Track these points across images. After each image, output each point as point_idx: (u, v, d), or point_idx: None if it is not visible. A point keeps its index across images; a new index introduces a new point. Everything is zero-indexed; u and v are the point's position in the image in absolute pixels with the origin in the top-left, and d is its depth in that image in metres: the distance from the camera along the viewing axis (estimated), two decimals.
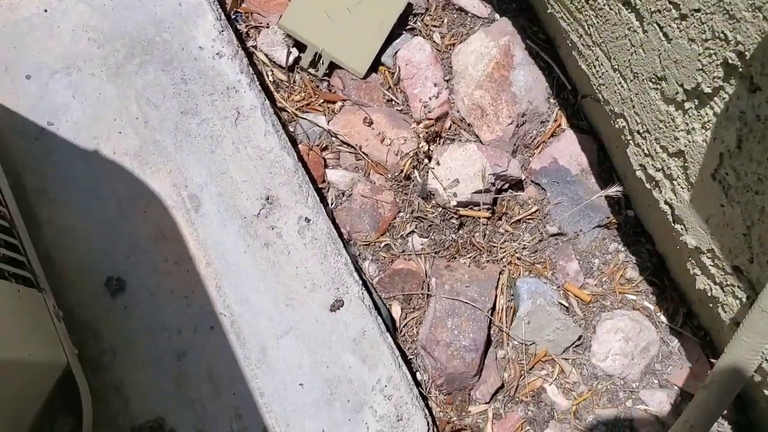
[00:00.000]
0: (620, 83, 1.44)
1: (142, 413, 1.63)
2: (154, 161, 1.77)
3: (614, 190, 1.78)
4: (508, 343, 1.84)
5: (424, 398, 1.74)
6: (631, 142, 1.50)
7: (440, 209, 1.89)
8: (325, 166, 1.94)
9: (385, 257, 1.87)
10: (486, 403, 1.79)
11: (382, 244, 1.88)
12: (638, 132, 1.43)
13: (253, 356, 1.67)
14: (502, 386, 1.81)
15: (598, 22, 1.46)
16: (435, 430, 1.69)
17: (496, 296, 1.84)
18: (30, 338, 1.34)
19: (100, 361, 1.66)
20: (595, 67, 1.54)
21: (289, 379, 1.66)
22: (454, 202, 1.82)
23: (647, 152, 1.42)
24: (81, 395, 1.51)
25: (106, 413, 1.63)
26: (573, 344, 1.84)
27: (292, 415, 1.64)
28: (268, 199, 1.75)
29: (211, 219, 1.74)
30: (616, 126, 1.56)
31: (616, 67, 1.43)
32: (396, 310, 1.83)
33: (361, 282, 1.74)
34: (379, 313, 1.74)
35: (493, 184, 1.87)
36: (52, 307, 1.54)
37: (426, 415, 1.67)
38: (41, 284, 1.54)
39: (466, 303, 1.79)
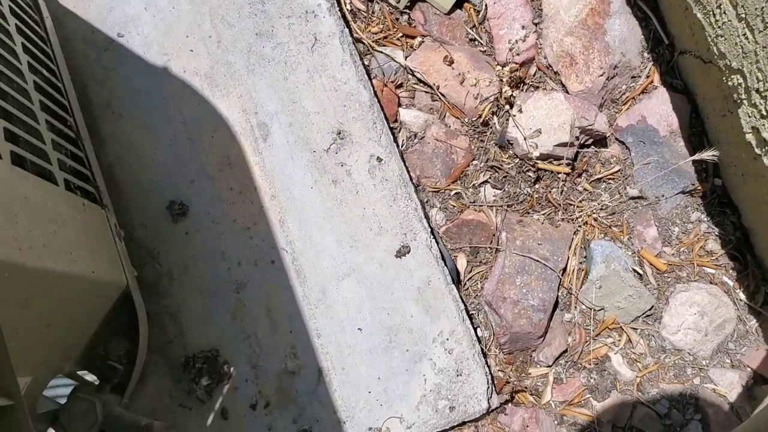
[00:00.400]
0: (744, 34, 1.31)
1: (197, 342, 1.59)
2: (225, 84, 1.69)
3: (709, 155, 1.65)
4: (575, 307, 1.75)
5: (484, 355, 1.67)
6: (745, 101, 1.37)
7: (517, 160, 1.79)
8: (399, 104, 1.84)
9: (454, 206, 1.78)
10: (548, 366, 1.71)
11: (453, 192, 1.79)
12: (757, 90, 1.30)
13: (312, 295, 1.61)
14: (566, 350, 1.73)
15: None
16: (493, 388, 1.63)
17: (568, 257, 1.75)
18: (93, 255, 1.29)
19: (157, 286, 1.61)
20: (714, 16, 1.41)
21: (347, 323, 1.60)
22: (536, 153, 1.71)
23: (765, 113, 1.30)
24: (138, 318, 1.47)
25: (160, 339, 1.59)
26: (644, 314, 1.74)
27: (348, 359, 1.59)
28: (339, 133, 1.67)
29: (279, 150, 1.66)
30: (729, 83, 1.43)
31: (743, 15, 1.29)
32: (461, 263, 1.75)
33: (429, 229, 1.65)
34: (445, 264, 1.66)
35: (577, 138, 1.75)
36: (114, 225, 1.49)
37: (486, 372, 1.61)
38: (104, 201, 1.49)
39: (537, 261, 1.70)
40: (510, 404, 1.68)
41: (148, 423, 1.31)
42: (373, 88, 1.75)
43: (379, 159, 1.65)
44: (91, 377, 1.46)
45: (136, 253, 1.61)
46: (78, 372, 1.42)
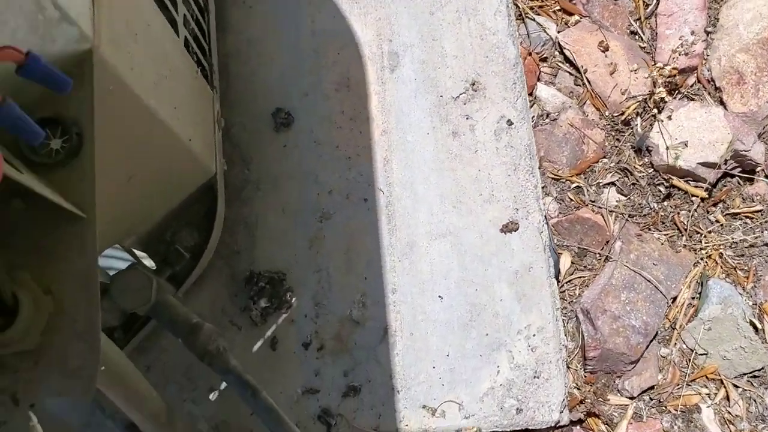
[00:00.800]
0: None
1: (266, 260, 1.45)
2: (366, 2, 1.56)
3: None
4: (675, 343, 1.55)
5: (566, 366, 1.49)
6: None
7: (651, 170, 1.61)
8: (538, 79, 1.68)
9: (572, 200, 1.61)
10: (630, 397, 1.52)
11: (574, 185, 1.61)
12: None
13: (398, 247, 1.46)
14: (653, 387, 1.53)
15: None
16: (566, 402, 1.44)
17: (681, 287, 1.55)
18: (194, 125, 1.17)
19: (240, 192, 1.49)
20: None
21: (429, 287, 1.44)
22: (676, 165, 1.53)
23: None
24: (216, 214, 1.34)
25: (229, 247, 1.46)
26: (751, 372, 1.53)
27: (420, 326, 1.42)
28: (473, 84, 1.52)
29: (404, 85, 1.52)
30: None
31: None
32: (565, 261, 1.57)
33: (544, 212, 1.49)
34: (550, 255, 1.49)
35: (725, 162, 1.56)
36: (217, 112, 1.37)
37: (566, 383, 1.42)
38: (214, 82, 1.37)
39: (649, 281, 1.51)
40: (579, 426, 1.49)
41: (199, 322, 1.17)
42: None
43: (510, 122, 1.49)
44: (149, 263, 1.33)
45: (228, 152, 1.49)
46: (137, 251, 1.29)
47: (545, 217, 1.49)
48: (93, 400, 1.21)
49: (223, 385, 1.40)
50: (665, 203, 1.61)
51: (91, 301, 0.70)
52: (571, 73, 1.69)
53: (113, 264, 1.28)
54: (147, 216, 1.20)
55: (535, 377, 1.40)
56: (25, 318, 0.66)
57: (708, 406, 1.53)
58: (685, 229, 1.59)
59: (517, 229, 1.45)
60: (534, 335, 1.41)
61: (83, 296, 0.70)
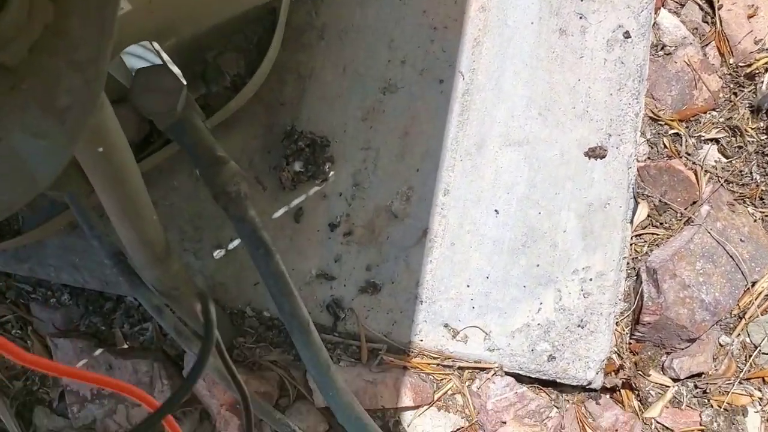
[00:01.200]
0: None
1: (311, 121, 1.25)
2: None
3: None
4: (739, 334, 1.36)
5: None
6: None
7: (764, 137, 1.39)
8: (663, 5, 1.44)
9: (665, 147, 1.39)
10: (674, 379, 1.33)
11: (672, 132, 1.40)
12: None
13: (464, 144, 1.25)
14: (702, 374, 1.35)
15: None
16: (604, 364, 1.26)
17: (765, 274, 1.35)
18: None
19: (301, 35, 1.28)
20: None
21: (487, 197, 1.24)
22: None
23: None
24: (271, 47, 1.13)
25: (273, 94, 1.26)
26: None
27: (464, 237, 1.23)
28: None
29: None
30: None
31: None
32: (641, 212, 1.36)
33: (637, 145, 1.27)
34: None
35: None
36: None
37: (612, 342, 1.24)
38: None
39: (731, 257, 1.31)
40: (609, 395, 1.31)
41: (225, 157, 0.97)
42: None
43: (627, 35, 1.27)
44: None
45: None
46: (168, 61, 1.09)
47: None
48: (82, 213, 1.03)
49: (232, 244, 1.22)
50: None
51: (103, 26, 0.50)
52: (701, 7, 1.45)
53: (135, 63, 1.07)
54: (196, 14, 1.00)
55: (579, 326, 1.21)
56: (12, 15, 0.46)
57: (756, 411, 1.34)
58: None
59: (604, 157, 1.24)
60: (591, 279, 1.22)
61: (95, 17, 0.50)
